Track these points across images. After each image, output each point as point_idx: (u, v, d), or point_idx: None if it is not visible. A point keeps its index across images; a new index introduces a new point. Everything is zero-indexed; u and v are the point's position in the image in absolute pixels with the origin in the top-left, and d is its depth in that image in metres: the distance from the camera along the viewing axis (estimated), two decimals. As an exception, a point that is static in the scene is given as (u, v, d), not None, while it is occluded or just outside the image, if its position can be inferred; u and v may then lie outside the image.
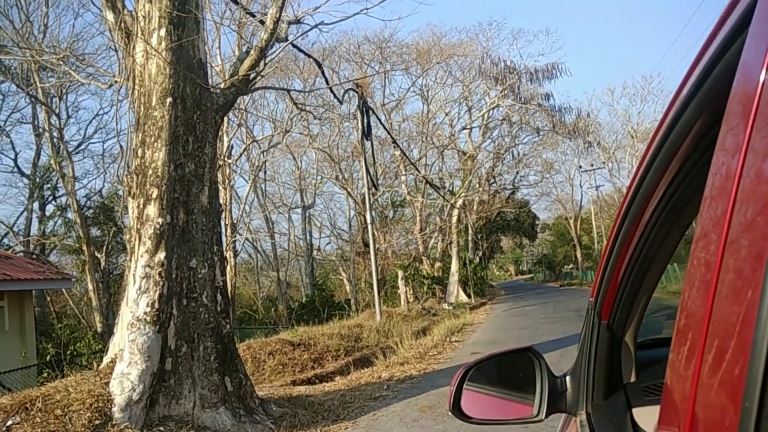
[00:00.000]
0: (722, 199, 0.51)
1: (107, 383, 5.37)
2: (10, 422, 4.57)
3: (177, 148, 6.18)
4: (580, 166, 41.94)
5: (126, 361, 5.40)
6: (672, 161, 0.84)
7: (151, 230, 5.85)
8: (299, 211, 31.52)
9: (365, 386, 8.07)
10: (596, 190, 42.82)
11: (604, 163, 38.99)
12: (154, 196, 5.95)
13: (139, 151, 6.16)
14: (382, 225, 29.36)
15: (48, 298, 23.13)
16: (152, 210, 5.93)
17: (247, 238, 24.37)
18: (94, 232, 23.88)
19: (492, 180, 35.25)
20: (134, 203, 6.09)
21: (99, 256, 22.03)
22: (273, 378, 9.65)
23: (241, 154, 22.02)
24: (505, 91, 29.29)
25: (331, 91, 14.25)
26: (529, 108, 30.23)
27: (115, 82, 7.11)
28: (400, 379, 8.49)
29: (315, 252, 33.24)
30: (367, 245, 22.72)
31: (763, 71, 0.48)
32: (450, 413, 1.36)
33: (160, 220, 5.88)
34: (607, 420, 1.20)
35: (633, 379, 1.30)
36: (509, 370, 1.43)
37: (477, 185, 32.45)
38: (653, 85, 41.50)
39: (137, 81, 6.28)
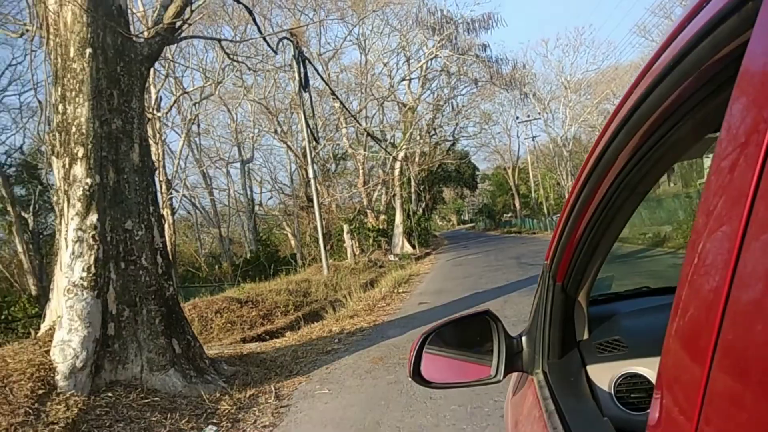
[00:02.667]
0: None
1: (47, 351, 5.11)
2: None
3: (101, 102, 5.74)
4: (517, 117, 42.85)
5: (66, 328, 5.16)
6: (636, 133, 0.80)
7: (80, 192, 5.49)
8: (238, 165, 30.55)
9: (316, 340, 8.10)
10: (533, 140, 44.09)
11: (539, 113, 39.92)
12: (80, 155, 5.55)
13: (60, 107, 5.69)
14: (325, 179, 29.09)
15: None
16: (79, 170, 5.54)
17: (184, 195, 23.45)
18: (19, 191, 22.39)
19: (432, 132, 35.42)
20: (59, 163, 5.67)
21: (26, 216, 20.72)
22: (222, 336, 9.55)
23: (171, 107, 20.88)
24: (443, 42, 29.07)
25: (265, 40, 13.57)
26: (466, 59, 30.23)
27: (27, 30, 6.46)
28: (351, 332, 8.55)
29: (257, 207, 32.59)
30: (310, 200, 22.50)
31: None
32: (411, 379, 1.36)
33: (88, 180, 5.52)
34: (563, 377, 1.24)
35: (586, 336, 1.35)
36: (467, 334, 1.44)
37: (418, 137, 32.53)
38: (585, 36, 42.49)
39: (52, 30, 5.72)
